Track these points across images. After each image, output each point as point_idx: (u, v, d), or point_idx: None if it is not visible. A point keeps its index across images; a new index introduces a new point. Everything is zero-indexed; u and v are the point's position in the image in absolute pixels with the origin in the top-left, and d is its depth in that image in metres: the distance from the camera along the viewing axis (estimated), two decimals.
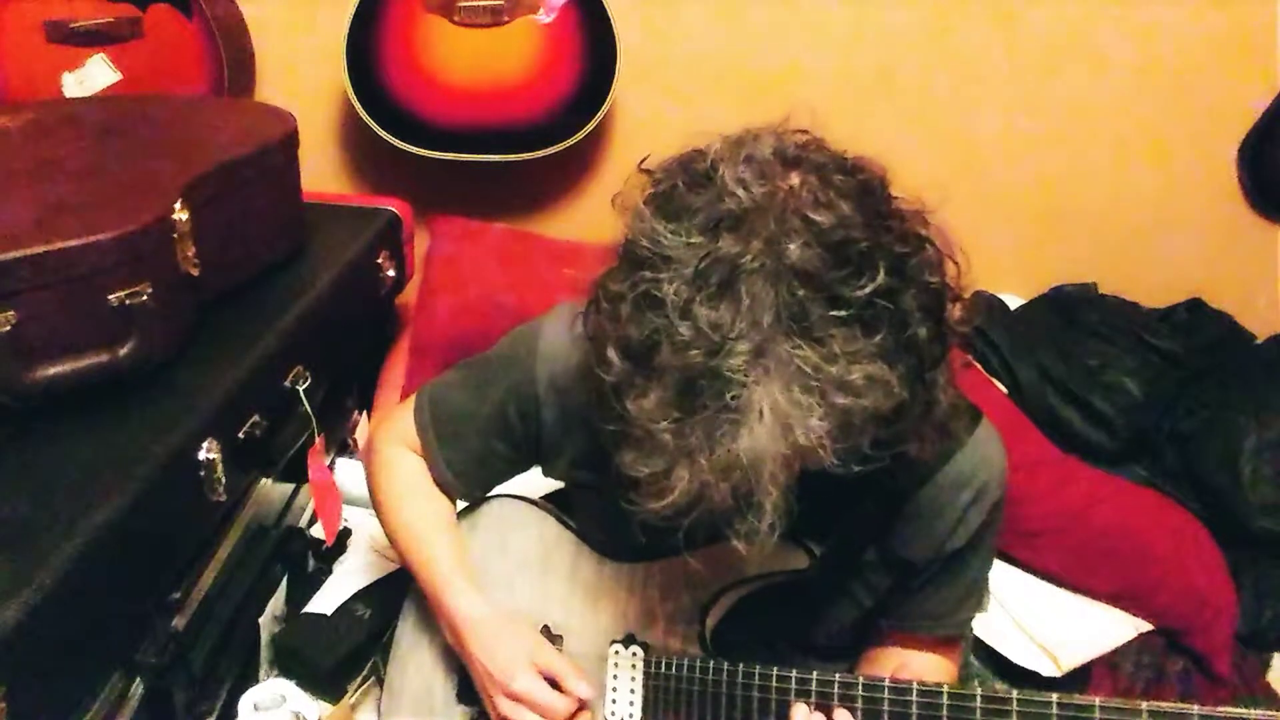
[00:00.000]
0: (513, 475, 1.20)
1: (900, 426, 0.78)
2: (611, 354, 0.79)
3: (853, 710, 0.95)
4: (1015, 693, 0.91)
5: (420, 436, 1.18)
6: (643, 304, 0.77)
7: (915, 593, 1.06)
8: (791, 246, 0.74)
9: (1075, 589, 1.65)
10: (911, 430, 0.80)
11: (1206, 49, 1.94)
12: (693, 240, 0.76)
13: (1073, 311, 1.97)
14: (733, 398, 0.73)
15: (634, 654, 1.08)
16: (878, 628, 1.10)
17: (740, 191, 0.76)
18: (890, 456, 0.79)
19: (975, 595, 1.09)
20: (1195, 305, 2.03)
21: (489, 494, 1.24)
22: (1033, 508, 1.61)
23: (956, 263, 0.82)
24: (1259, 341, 2.01)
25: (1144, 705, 0.87)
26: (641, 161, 0.86)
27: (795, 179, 0.77)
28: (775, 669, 1.00)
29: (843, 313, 0.73)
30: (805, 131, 0.82)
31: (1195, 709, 0.85)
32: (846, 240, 0.75)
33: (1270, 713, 0.84)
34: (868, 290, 0.74)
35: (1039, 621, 1.58)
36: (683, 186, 0.79)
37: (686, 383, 0.74)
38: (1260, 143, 1.98)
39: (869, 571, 1.05)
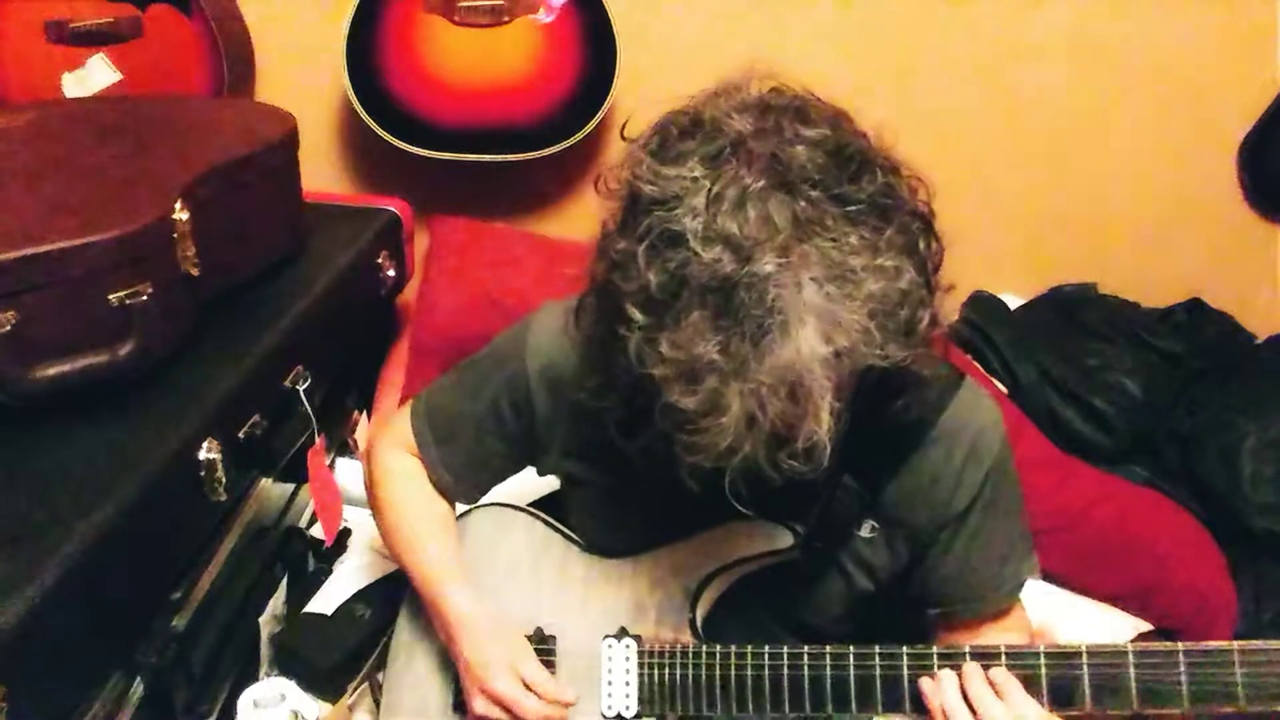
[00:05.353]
0: (508, 475, 1.21)
1: (919, 329, 0.79)
2: (632, 311, 0.79)
3: (844, 680, 0.97)
4: (1003, 646, 0.93)
5: (417, 439, 1.19)
6: (659, 245, 0.78)
7: (945, 569, 1.05)
8: (793, 158, 0.78)
9: (1075, 589, 1.65)
10: (920, 337, 0.80)
11: (1206, 49, 1.94)
12: (697, 174, 0.79)
13: (1073, 311, 1.97)
14: (773, 299, 0.74)
15: (626, 647, 1.09)
16: (929, 618, 1.09)
17: (731, 125, 0.81)
18: (901, 377, 0.80)
19: (1015, 560, 1.07)
20: (1195, 305, 2.03)
21: (475, 504, 1.24)
22: (1033, 508, 1.59)
23: (922, 181, 0.85)
24: (1259, 341, 2.01)
25: (1129, 646, 0.89)
26: (622, 129, 0.90)
27: (776, 110, 0.82)
28: (766, 648, 1.01)
29: (853, 209, 0.77)
30: (770, 76, 0.87)
31: (1180, 645, 0.88)
32: (841, 145, 0.80)
33: (1253, 642, 0.86)
34: (870, 189, 0.79)
35: (1039, 621, 1.57)
36: (675, 134, 0.83)
37: (725, 296, 0.75)
38: (1260, 143, 1.98)
39: (865, 549, 1.05)
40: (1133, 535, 1.64)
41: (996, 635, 1.06)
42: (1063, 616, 1.61)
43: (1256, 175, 2.01)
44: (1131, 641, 1.59)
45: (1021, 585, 1.09)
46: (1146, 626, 1.62)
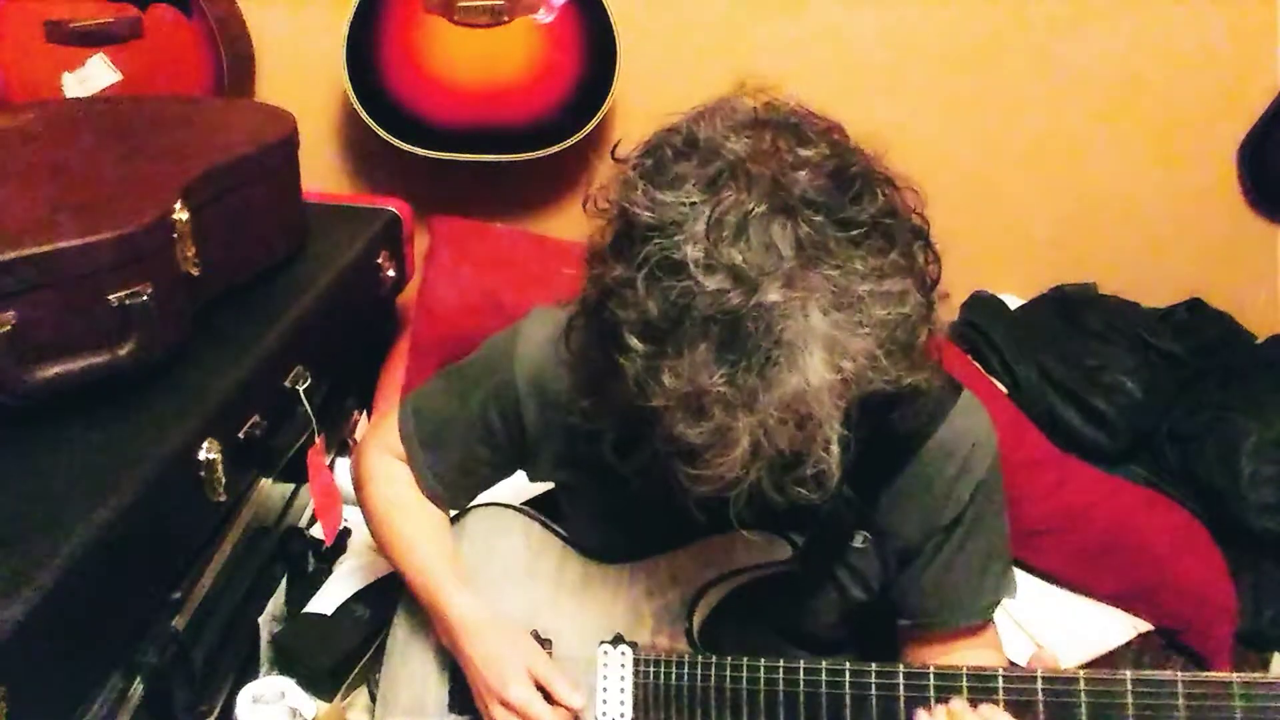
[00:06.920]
0: (497, 480, 1.20)
1: (921, 346, 0.79)
2: (631, 340, 0.78)
3: (840, 697, 0.96)
4: (1000, 670, 0.92)
5: (405, 446, 1.19)
6: (658, 274, 0.76)
7: (923, 581, 1.05)
8: (794, 181, 0.76)
9: (1075, 589, 1.65)
10: (920, 355, 0.80)
11: (1207, 49, 1.94)
12: (695, 200, 0.77)
13: (1073, 311, 1.97)
14: (780, 330, 0.73)
15: (622, 654, 1.08)
16: (902, 630, 1.09)
17: (727, 146, 0.79)
18: (902, 394, 0.80)
19: (993, 577, 1.06)
20: (1195, 305, 2.03)
21: (473, 503, 1.24)
22: (1033, 508, 1.61)
23: (915, 191, 0.84)
24: (1259, 341, 2.01)
25: (1128, 674, 0.88)
26: (612, 150, 0.88)
27: (772, 128, 0.81)
28: (762, 660, 1.00)
29: (856, 232, 0.76)
30: (763, 91, 0.85)
31: (1179, 675, 0.86)
32: (841, 167, 0.79)
33: (1254, 675, 0.85)
34: (872, 210, 0.78)
35: (1039, 621, 1.58)
36: (669, 156, 0.81)
37: (730, 328, 0.74)
38: (1260, 143, 1.98)
39: (857, 559, 1.04)
40: (1133, 535, 1.64)
41: (968, 654, 1.06)
42: (1063, 617, 1.61)
43: (1256, 175, 2.01)
44: (1130, 641, 1.60)
45: (997, 604, 1.08)
46: (1146, 626, 1.62)
